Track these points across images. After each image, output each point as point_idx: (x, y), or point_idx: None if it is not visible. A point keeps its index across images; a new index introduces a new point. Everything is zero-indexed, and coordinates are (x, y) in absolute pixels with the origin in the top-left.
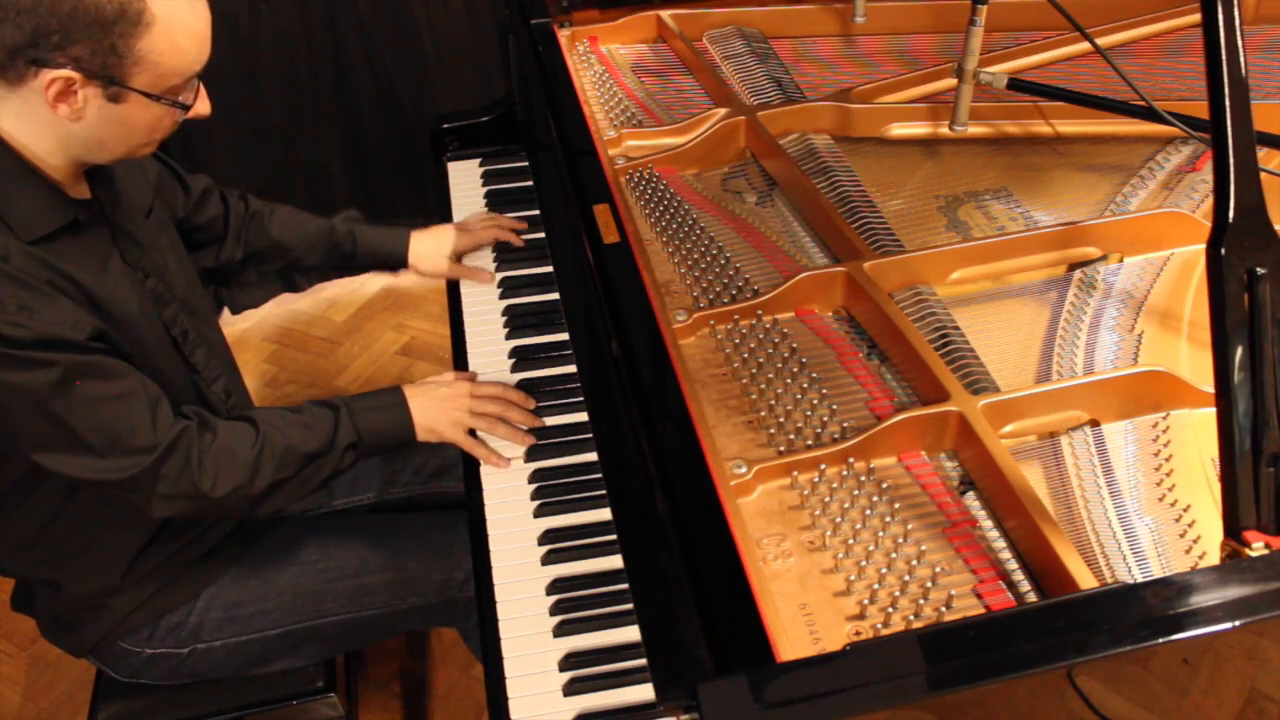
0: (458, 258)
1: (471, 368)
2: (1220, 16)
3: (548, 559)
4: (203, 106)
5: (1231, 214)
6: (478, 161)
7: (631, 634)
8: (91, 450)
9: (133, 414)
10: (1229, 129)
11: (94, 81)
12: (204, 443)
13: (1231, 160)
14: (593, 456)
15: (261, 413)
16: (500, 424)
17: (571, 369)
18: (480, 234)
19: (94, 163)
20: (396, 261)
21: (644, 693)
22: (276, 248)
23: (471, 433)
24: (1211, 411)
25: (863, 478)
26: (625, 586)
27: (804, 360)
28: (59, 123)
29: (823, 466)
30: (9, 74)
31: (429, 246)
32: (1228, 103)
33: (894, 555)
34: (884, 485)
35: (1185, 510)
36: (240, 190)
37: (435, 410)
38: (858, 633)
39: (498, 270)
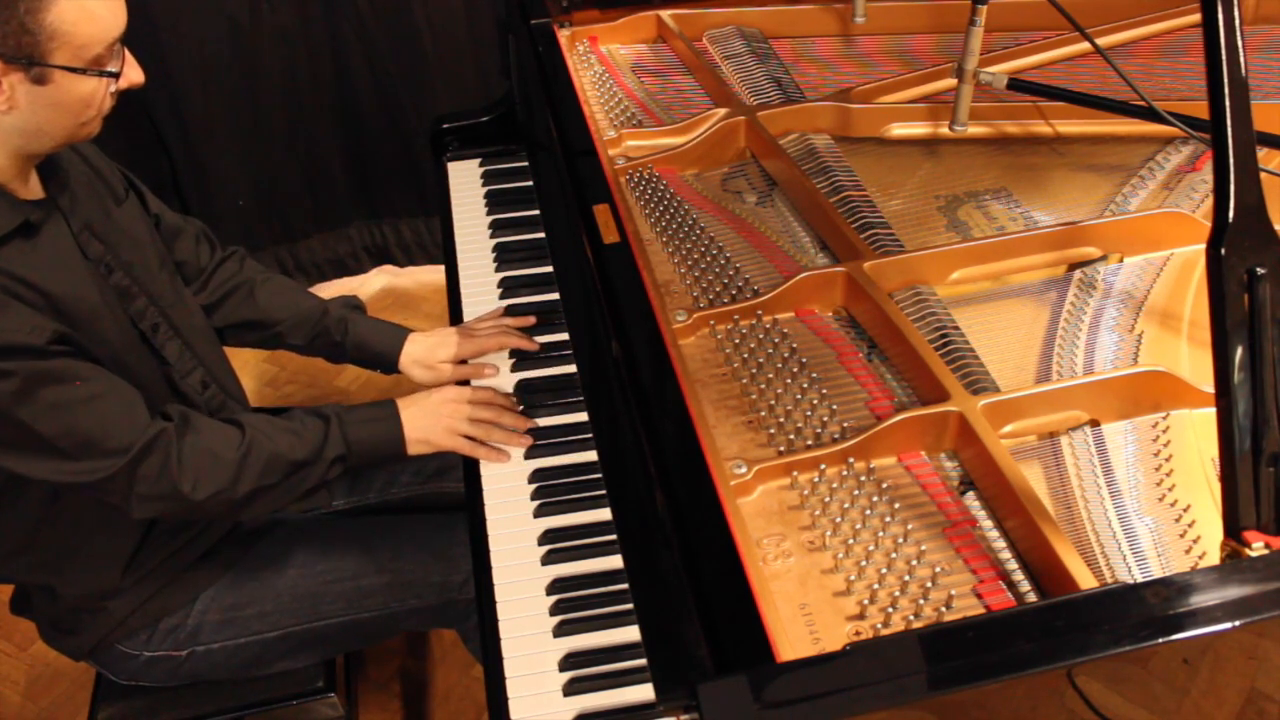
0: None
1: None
2: (1220, 16)
3: (548, 559)
4: (134, 74)
5: (1231, 214)
6: (478, 161)
7: (631, 634)
8: (63, 454)
9: (104, 416)
10: (1229, 129)
11: (14, 66)
12: (184, 444)
13: (1231, 160)
14: (593, 456)
15: (250, 417)
16: (496, 429)
17: (571, 369)
18: (485, 341)
19: (38, 153)
20: (386, 363)
21: (644, 693)
22: (261, 319)
23: None
24: (1211, 411)
25: (863, 478)
26: (625, 586)
27: (804, 360)
28: None
29: (823, 466)
30: None
31: (425, 352)
32: (1228, 103)
33: (894, 555)
34: (884, 485)
35: (1185, 510)
36: (242, 251)
37: (428, 420)
38: (858, 633)
39: (498, 270)
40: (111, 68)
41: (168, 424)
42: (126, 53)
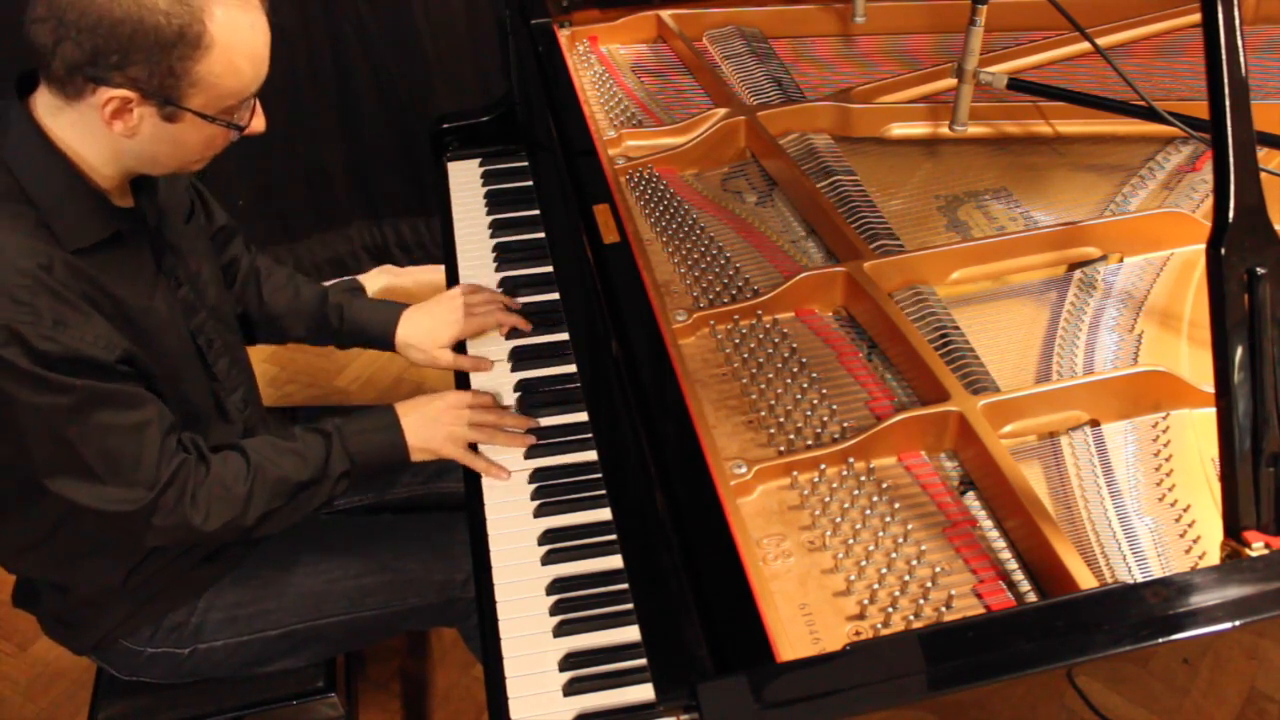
0: (455, 344)
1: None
2: (1220, 16)
3: (548, 559)
4: (258, 123)
5: (1231, 214)
6: (478, 161)
7: (631, 634)
8: (96, 478)
9: (141, 446)
10: (1229, 129)
11: (150, 101)
12: (199, 476)
13: (1231, 160)
14: (593, 456)
15: (252, 442)
16: (500, 432)
17: (571, 369)
18: (484, 320)
19: (144, 174)
20: (382, 344)
21: (644, 693)
22: (266, 315)
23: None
24: (1211, 411)
25: (863, 478)
26: (625, 586)
27: (804, 360)
28: (113, 137)
29: (823, 466)
30: (67, 89)
31: (421, 331)
32: (1228, 103)
33: (894, 555)
34: (884, 485)
35: (1185, 510)
36: (255, 247)
37: (429, 429)
38: (858, 633)
39: (498, 270)
40: (239, 120)
41: (188, 456)
42: (256, 103)
